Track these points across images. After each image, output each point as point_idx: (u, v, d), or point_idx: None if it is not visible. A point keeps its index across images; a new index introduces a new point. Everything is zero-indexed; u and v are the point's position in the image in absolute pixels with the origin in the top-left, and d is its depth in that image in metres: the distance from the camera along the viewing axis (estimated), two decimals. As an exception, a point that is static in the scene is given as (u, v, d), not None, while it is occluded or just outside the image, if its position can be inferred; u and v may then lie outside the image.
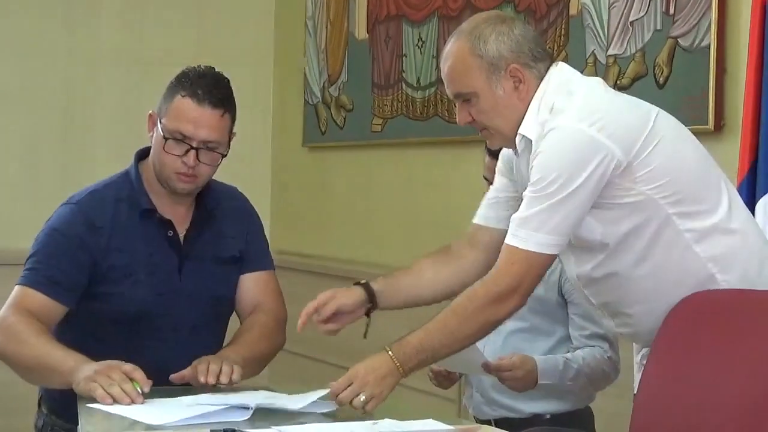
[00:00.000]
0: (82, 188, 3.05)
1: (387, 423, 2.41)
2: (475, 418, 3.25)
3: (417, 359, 2.52)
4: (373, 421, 2.40)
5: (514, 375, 3.03)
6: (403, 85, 4.90)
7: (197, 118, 2.87)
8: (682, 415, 2.49)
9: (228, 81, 2.95)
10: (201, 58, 5.65)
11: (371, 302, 2.76)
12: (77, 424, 2.55)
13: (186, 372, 2.76)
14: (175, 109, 2.89)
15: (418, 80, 4.80)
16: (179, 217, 3.00)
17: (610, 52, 3.81)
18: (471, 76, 2.56)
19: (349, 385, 2.49)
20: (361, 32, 5.22)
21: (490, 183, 3.19)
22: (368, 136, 5.15)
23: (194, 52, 5.79)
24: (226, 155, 2.96)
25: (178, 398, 2.62)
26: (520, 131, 2.56)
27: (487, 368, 3.02)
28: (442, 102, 4.64)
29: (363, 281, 2.76)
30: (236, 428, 2.35)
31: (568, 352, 3.12)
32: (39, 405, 3.16)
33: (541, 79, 2.56)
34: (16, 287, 2.92)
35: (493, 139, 2.67)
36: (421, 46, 4.78)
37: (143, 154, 3.05)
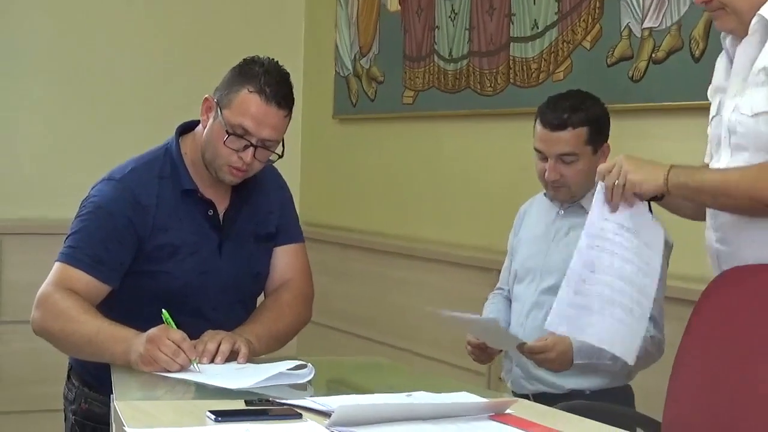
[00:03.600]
0: (122, 164, 3.00)
1: (421, 395, 2.40)
2: (513, 392, 3.24)
3: (685, 176, 2.49)
4: (407, 393, 2.40)
5: (547, 357, 3.03)
6: (435, 58, 4.88)
7: (263, 116, 2.83)
8: (718, 391, 2.49)
9: (290, 77, 2.91)
10: (232, 28, 5.74)
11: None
12: (110, 394, 2.56)
13: (192, 343, 2.76)
14: (241, 104, 2.84)
15: (450, 52, 4.78)
16: (219, 196, 2.98)
17: (645, 25, 3.78)
18: None
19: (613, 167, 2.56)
20: (393, 4, 5.20)
21: (540, 154, 3.18)
22: (399, 109, 5.14)
23: (225, 23, 5.81)
24: (282, 156, 2.94)
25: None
26: (760, 12, 2.49)
27: (521, 350, 3.01)
28: (474, 74, 4.62)
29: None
30: (270, 398, 2.36)
31: None
32: (69, 376, 3.15)
33: None
34: (58, 264, 2.88)
35: (725, 19, 2.58)
36: (454, 18, 4.75)
37: (184, 129, 3.03)
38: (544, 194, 3.33)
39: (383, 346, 4.86)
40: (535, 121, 3.21)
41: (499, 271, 4.12)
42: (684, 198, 2.56)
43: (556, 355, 3.02)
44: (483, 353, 3.26)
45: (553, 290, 3.16)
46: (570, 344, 3.03)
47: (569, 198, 3.23)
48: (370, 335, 5.04)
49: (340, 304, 5.19)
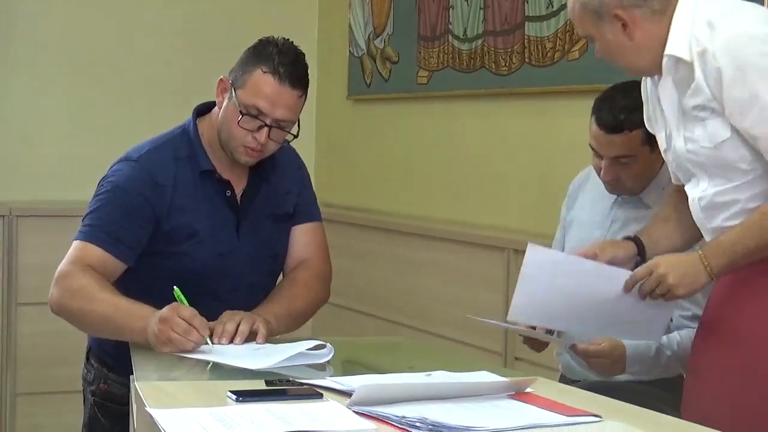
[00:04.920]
0: (138, 144, 3.01)
1: (441, 374, 2.41)
2: (563, 376, 3.20)
3: (728, 258, 2.48)
4: (427, 373, 2.40)
5: (602, 363, 2.93)
6: (450, 37, 4.86)
7: (276, 96, 2.83)
8: (734, 373, 2.49)
9: (305, 57, 2.91)
10: (246, 9, 5.72)
11: (640, 255, 2.71)
12: (129, 375, 2.57)
13: (210, 324, 2.75)
14: (254, 84, 2.84)
15: (465, 32, 4.76)
16: (236, 176, 2.99)
17: (662, 2, 3.75)
18: (583, 23, 2.62)
19: (648, 275, 2.53)
20: (407, -17, 5.19)
21: (595, 153, 3.06)
22: (414, 89, 5.13)
23: (239, 4, 5.80)
24: (296, 136, 2.94)
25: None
26: (667, 52, 2.53)
27: (575, 351, 2.94)
28: (489, 54, 4.60)
29: (632, 236, 2.71)
30: (290, 378, 2.37)
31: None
32: (87, 357, 3.16)
33: (662, 13, 2.53)
34: (76, 242, 2.90)
35: (628, 72, 2.69)
36: (468, -2, 4.74)
37: (202, 110, 3.03)
38: None
39: (398, 325, 4.86)
40: (591, 116, 3.06)
41: (514, 251, 4.13)
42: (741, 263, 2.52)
43: (610, 363, 2.94)
44: (536, 342, 3.11)
45: None
46: (625, 352, 2.95)
47: (626, 193, 3.11)
48: (384, 315, 5.03)
49: (354, 284, 5.18)
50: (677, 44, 2.51)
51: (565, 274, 2.64)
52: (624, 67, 2.66)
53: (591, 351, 2.93)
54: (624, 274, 2.60)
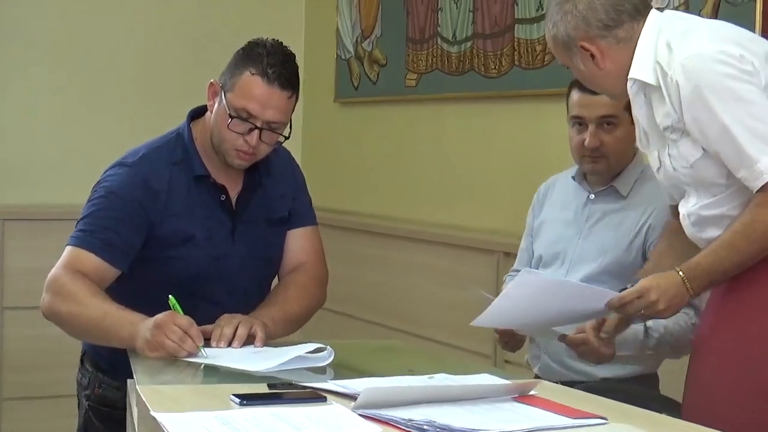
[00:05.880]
0: (132, 148, 3.00)
1: (442, 377, 2.41)
2: (537, 377, 3.20)
3: (708, 280, 2.55)
4: (429, 376, 2.40)
5: (591, 349, 2.85)
6: (439, 40, 4.86)
7: (265, 98, 2.82)
8: (739, 372, 2.50)
9: (295, 57, 2.90)
10: (232, 12, 5.71)
11: None
12: (125, 379, 2.55)
13: (208, 328, 2.76)
14: (243, 87, 2.83)
15: (454, 34, 4.77)
16: (231, 180, 2.98)
17: (653, 4, 3.76)
18: (558, 55, 2.75)
19: (638, 298, 2.59)
20: (395, -14, 5.19)
21: (579, 120, 3.12)
22: (402, 92, 5.12)
23: (226, 7, 5.79)
24: (288, 137, 2.93)
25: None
26: (631, 76, 2.62)
27: (563, 341, 2.91)
28: (478, 57, 4.61)
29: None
30: (293, 381, 2.36)
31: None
32: (82, 362, 3.15)
33: (629, 40, 2.62)
34: (68, 248, 2.88)
35: (610, 98, 2.89)
36: (457, 0, 4.74)
37: (195, 114, 3.02)
38: (572, 177, 3.22)
39: (387, 329, 4.85)
40: (570, 91, 3.14)
41: (504, 254, 4.13)
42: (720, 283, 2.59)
43: (598, 347, 2.88)
44: (512, 339, 3.11)
45: (586, 280, 3.07)
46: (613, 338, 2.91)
47: (607, 171, 3.13)
48: (373, 318, 5.03)
49: (343, 288, 5.17)
50: (640, 68, 2.60)
51: (549, 295, 2.72)
52: (603, 93, 2.81)
53: (578, 339, 2.87)
54: (608, 294, 2.68)
